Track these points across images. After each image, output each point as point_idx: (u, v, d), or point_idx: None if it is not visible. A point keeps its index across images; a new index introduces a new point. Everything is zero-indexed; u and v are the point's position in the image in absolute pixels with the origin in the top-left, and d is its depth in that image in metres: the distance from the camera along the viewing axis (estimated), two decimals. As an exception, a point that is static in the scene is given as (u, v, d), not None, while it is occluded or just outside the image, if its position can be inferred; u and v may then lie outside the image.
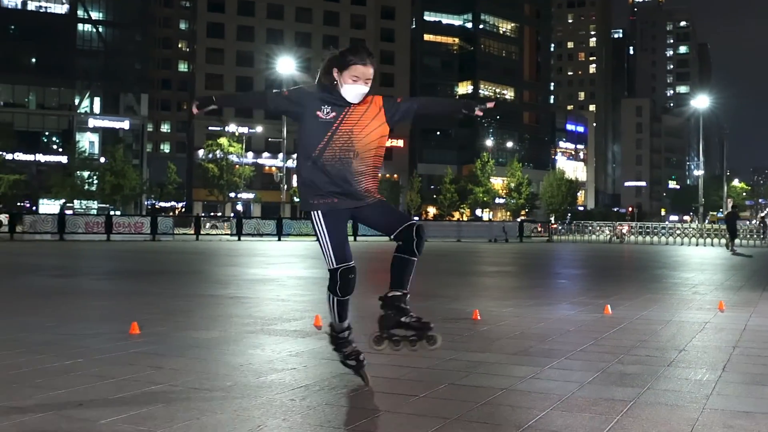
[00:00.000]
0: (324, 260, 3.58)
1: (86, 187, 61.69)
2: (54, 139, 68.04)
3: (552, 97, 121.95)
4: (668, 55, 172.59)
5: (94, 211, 59.74)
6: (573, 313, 7.02)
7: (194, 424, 3.03)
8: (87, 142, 68.21)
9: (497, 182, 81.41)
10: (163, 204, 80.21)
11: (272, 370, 4.11)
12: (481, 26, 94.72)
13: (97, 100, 70.52)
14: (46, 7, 68.81)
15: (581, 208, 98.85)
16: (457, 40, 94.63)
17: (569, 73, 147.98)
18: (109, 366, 4.18)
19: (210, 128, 71.43)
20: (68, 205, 58.93)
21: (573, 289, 10.52)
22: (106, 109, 70.32)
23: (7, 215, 32.43)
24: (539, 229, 45.92)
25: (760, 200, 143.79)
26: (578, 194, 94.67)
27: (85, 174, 62.74)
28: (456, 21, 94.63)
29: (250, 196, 72.00)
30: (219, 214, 66.00)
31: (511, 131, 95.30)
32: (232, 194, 68.86)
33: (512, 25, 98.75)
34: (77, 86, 68.71)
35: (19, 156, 62.91)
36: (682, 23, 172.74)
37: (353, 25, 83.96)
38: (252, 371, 4.10)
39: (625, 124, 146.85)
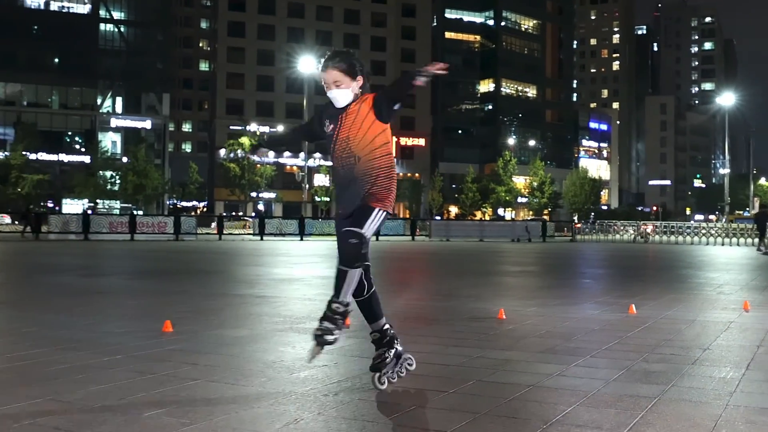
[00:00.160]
0: None
1: (109, 186, 62.17)
2: (77, 139, 68.74)
3: (575, 94, 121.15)
4: (693, 51, 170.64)
5: (117, 211, 60.28)
6: (597, 313, 7.07)
7: (233, 418, 3.16)
8: (109, 141, 68.85)
9: (519, 181, 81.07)
10: (184, 204, 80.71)
11: (304, 367, 4.23)
12: (502, 23, 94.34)
13: (119, 100, 71.10)
14: (68, 7, 69.54)
15: (605, 208, 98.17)
16: (478, 37, 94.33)
17: (592, 71, 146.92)
18: (147, 362, 4.33)
19: (231, 128, 71.88)
20: (90, 204, 59.65)
21: (597, 288, 10.55)
22: (128, 109, 70.88)
23: (5, 215, 32.80)
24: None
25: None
26: (602, 193, 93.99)
27: (108, 174, 63.24)
28: (477, 18, 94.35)
29: (272, 195, 72.30)
30: (240, 213, 66.39)
31: (534, 129, 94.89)
32: (254, 194, 69.14)
33: (534, 22, 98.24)
34: (99, 86, 69.34)
35: (43, 156, 63.58)
36: (707, 19, 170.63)
37: (374, 23, 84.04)
38: (284, 368, 4.22)
39: (649, 122, 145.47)
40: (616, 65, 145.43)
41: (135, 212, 50.90)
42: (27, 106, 66.81)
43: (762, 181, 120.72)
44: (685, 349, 5.02)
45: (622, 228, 41.74)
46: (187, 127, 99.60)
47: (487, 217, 73.08)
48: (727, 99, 56.03)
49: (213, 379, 3.90)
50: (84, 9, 70.10)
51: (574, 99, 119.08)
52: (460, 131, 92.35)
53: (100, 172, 62.83)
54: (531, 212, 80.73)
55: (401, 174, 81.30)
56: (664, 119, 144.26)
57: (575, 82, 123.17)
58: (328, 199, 69.36)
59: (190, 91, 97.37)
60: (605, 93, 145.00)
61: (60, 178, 63.64)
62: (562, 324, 6.23)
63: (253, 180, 66.90)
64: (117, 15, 71.96)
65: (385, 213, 3.56)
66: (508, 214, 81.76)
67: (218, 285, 10.17)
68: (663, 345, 5.17)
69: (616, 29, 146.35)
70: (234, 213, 68.04)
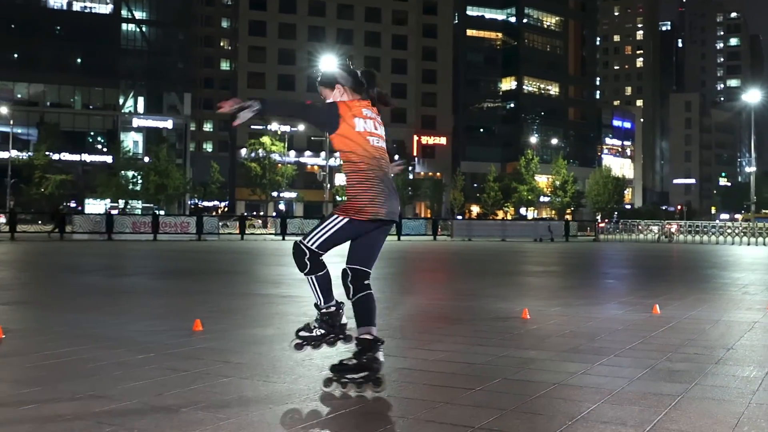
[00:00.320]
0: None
1: (131, 186, 62.48)
2: (99, 139, 69.24)
3: (598, 92, 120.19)
4: (718, 47, 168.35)
5: (138, 211, 60.69)
6: (621, 313, 7.11)
7: (268, 413, 3.28)
8: (131, 141, 69.26)
9: (542, 180, 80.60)
10: (206, 203, 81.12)
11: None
12: (524, 20, 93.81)
13: (140, 100, 71.43)
14: (90, 8, 70.08)
15: (628, 207, 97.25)
16: (500, 34, 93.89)
17: (615, 68, 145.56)
18: (180, 360, 4.47)
19: (252, 127, 72.14)
20: (113, 205, 60.16)
21: (621, 289, 10.55)
22: (150, 109, 71.24)
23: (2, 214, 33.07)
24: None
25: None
26: (625, 192, 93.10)
27: (130, 174, 63.59)
28: (499, 15, 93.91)
29: (293, 195, 72.46)
30: (261, 213, 66.64)
31: (556, 128, 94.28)
32: (275, 193, 69.32)
33: (557, 18, 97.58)
34: (121, 86, 69.74)
35: (66, 156, 63.87)
36: (733, 14, 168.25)
37: (395, 21, 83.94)
38: (314, 366, 4.33)
39: (674, 120, 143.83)
40: (639, 62, 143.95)
41: (157, 212, 51.31)
42: (50, 107, 67.43)
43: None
44: (708, 349, 5.06)
45: (645, 227, 41.40)
46: (208, 127, 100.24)
47: (509, 217, 72.74)
48: (753, 96, 55.26)
49: (245, 377, 4.02)
50: (106, 9, 70.65)
51: (597, 96, 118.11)
52: (481, 130, 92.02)
53: (122, 172, 63.08)
54: (553, 211, 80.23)
55: (422, 173, 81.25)
56: (688, 117, 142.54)
57: (598, 79, 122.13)
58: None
59: (212, 90, 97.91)
60: (629, 90, 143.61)
61: (83, 178, 64.08)
62: (586, 324, 6.28)
63: (275, 179, 67.01)
64: (139, 15, 72.48)
65: (344, 219, 3.65)
66: (531, 213, 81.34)
67: (243, 285, 10.33)
68: (687, 345, 5.21)
69: (639, 25, 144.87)
70: (255, 213, 68.29)
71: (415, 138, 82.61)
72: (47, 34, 67.24)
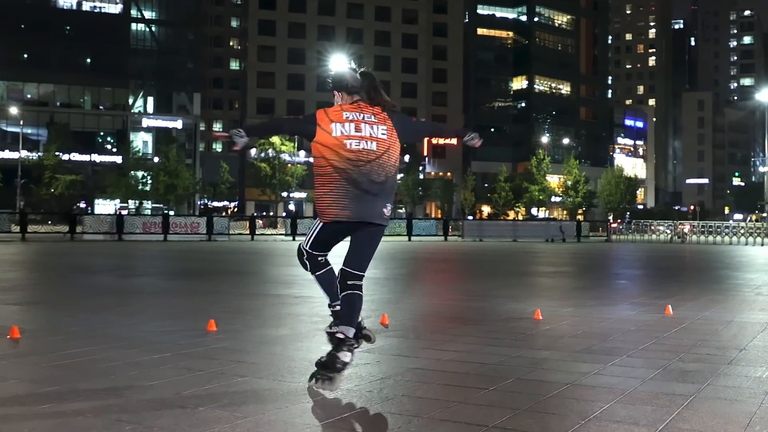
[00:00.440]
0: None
1: (140, 187, 62.41)
2: (108, 139, 69.30)
3: (610, 91, 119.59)
4: (732, 45, 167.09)
5: (148, 211, 60.77)
6: (634, 314, 7.10)
7: (283, 412, 3.32)
8: (141, 141, 69.32)
9: (553, 180, 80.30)
10: (215, 204, 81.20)
11: (347, 365, 4.37)
12: (535, 19, 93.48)
13: (150, 100, 71.42)
14: (100, 8, 70.26)
15: (641, 207, 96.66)
16: (511, 33, 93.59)
17: (628, 67, 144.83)
18: (195, 360, 4.52)
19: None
20: (122, 205, 60.22)
21: (633, 289, 10.53)
22: (159, 109, 71.26)
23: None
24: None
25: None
26: (637, 192, 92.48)
27: (140, 174, 63.62)
28: (510, 14, 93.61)
29: (303, 195, 72.46)
30: (271, 213, 66.66)
31: (568, 127, 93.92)
32: (285, 193, 69.31)
33: (568, 17, 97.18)
34: (131, 86, 69.75)
35: (75, 156, 63.72)
36: (746, 12, 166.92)
37: (405, 20, 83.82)
38: (328, 365, 4.36)
39: (687, 119, 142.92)
40: (652, 61, 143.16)
41: (167, 212, 51.32)
42: (59, 107, 67.52)
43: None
44: (721, 350, 5.06)
45: (658, 228, 41.19)
46: (218, 127, 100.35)
47: (521, 217, 72.55)
48: (766, 94, 54.88)
49: (260, 376, 4.07)
50: (116, 9, 70.79)
51: (609, 96, 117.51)
52: (492, 129, 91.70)
53: (132, 172, 63.04)
54: (565, 212, 79.92)
55: (432, 173, 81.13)
56: (701, 116, 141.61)
57: (610, 78, 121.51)
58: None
59: (221, 90, 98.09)
60: (641, 89, 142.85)
61: (92, 179, 64.05)
62: (598, 324, 6.29)
63: (284, 180, 66.92)
64: (148, 15, 72.60)
65: (321, 224, 3.84)
66: (542, 213, 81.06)
67: (255, 285, 10.39)
68: (699, 345, 5.21)
69: (652, 24, 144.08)
70: (265, 213, 68.34)
71: (426, 138, 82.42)
72: (57, 34, 67.32)
